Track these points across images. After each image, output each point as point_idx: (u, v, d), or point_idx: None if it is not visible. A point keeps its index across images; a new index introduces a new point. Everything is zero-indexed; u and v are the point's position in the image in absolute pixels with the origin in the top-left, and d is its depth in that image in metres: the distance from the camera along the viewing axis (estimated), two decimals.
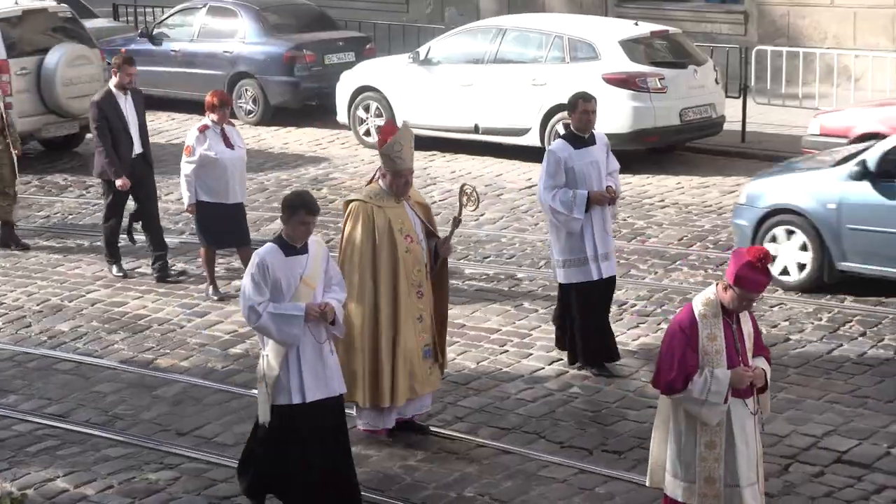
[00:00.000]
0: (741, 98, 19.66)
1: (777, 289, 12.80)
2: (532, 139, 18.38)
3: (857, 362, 11.09)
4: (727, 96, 19.32)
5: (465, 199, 9.76)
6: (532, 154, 18.42)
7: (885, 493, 8.80)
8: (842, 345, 11.50)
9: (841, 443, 9.58)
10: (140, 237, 14.02)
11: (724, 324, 7.49)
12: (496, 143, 18.77)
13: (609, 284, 10.91)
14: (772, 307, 12.48)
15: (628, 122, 17.80)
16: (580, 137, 10.73)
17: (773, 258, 7.35)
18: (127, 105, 13.50)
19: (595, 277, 10.68)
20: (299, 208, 8.22)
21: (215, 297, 12.97)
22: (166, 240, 13.98)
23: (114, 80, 13.54)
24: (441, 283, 9.77)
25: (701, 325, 7.46)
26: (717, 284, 7.55)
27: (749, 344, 7.59)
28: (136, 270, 14.02)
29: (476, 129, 18.95)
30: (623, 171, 17.80)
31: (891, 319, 11.94)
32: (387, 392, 9.38)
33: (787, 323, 12.08)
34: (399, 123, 9.56)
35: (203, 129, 12.73)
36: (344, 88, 20.01)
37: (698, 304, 7.52)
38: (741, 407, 7.53)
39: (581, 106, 10.71)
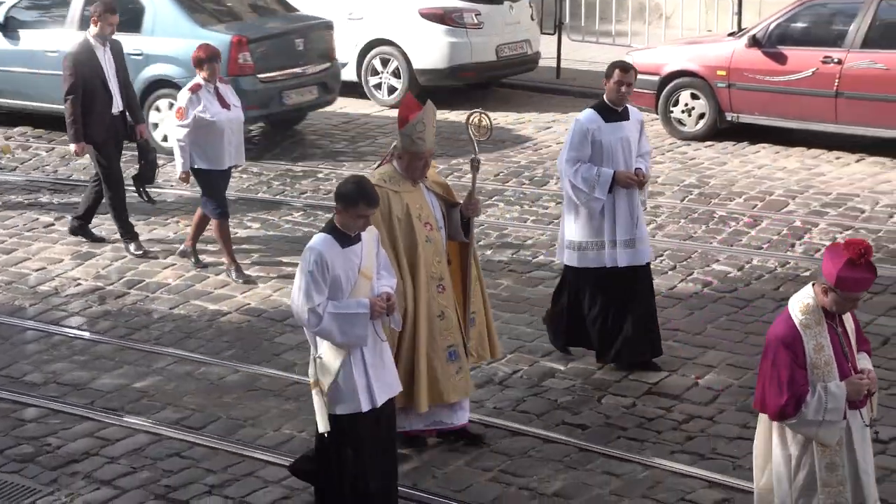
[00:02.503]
0: (556, 35, 19.85)
1: None
2: (349, 74, 18.26)
3: (668, 295, 11.33)
4: (542, 33, 19.49)
5: (474, 130, 8.66)
6: (348, 89, 18.33)
7: (693, 423, 9.02)
8: (653, 279, 11.71)
9: (651, 375, 9.78)
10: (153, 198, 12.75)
11: (828, 330, 6.61)
12: None
13: (637, 274, 9.69)
14: None
15: (445, 57, 17.83)
16: (612, 110, 9.58)
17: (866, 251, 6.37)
18: (106, 58, 12.21)
19: (609, 265, 9.55)
20: (358, 200, 7.15)
21: (240, 281, 11.61)
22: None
23: (93, 30, 12.16)
24: (464, 264, 8.58)
25: (805, 336, 6.56)
26: (813, 286, 6.63)
27: (854, 343, 6.77)
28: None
29: None
30: (439, 106, 18.02)
31: (699, 254, 12.23)
32: (405, 395, 8.12)
33: None
34: (426, 104, 8.30)
35: (195, 89, 11.45)
36: None
37: (797, 313, 6.59)
38: (857, 418, 6.68)
39: (617, 76, 9.52)
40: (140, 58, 15.45)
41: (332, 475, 7.46)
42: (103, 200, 12.48)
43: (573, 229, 9.63)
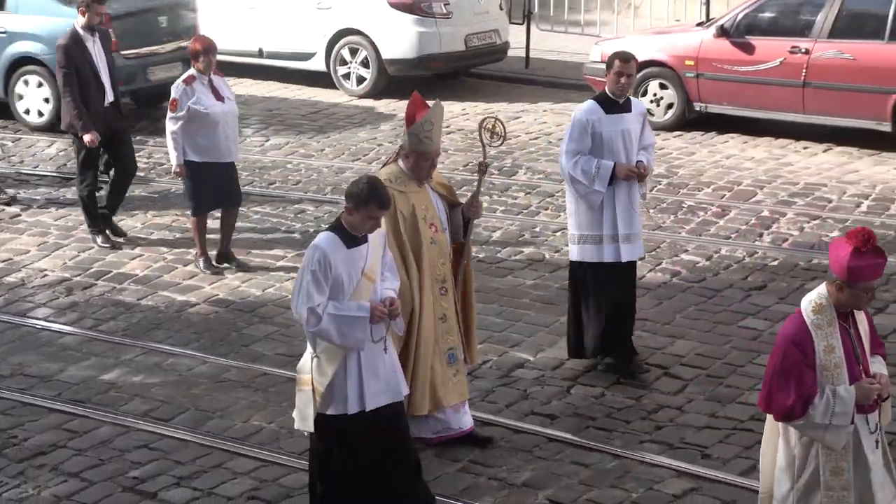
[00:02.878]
0: (525, 24, 19.83)
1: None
2: (317, 64, 18.23)
3: (637, 285, 11.32)
4: (511, 22, 19.46)
5: (487, 135, 8.53)
6: (317, 79, 18.29)
7: (662, 412, 9.03)
8: None
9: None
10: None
11: (840, 331, 6.43)
12: (281, 67, 18.54)
13: (631, 269, 9.67)
14: (554, 233, 12.68)
15: (413, 47, 17.80)
16: (614, 101, 9.34)
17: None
18: (95, 48, 11.99)
19: (608, 259, 9.39)
20: (370, 201, 6.99)
21: (208, 272, 11.55)
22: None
23: (81, 20, 11.96)
24: (463, 265, 8.49)
25: (816, 336, 6.38)
26: (825, 285, 6.45)
27: (867, 346, 6.58)
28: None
29: (260, 54, 18.69)
30: (408, 96, 17.95)
31: (668, 244, 12.25)
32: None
33: (568, 248, 12.26)
34: (431, 101, 8.23)
35: (189, 81, 11.28)
36: None
37: (809, 313, 6.42)
38: (863, 424, 6.48)
39: (617, 66, 9.25)
40: (4, 35, 15.88)
41: (322, 475, 7.33)
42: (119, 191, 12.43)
43: (574, 222, 9.49)
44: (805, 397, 6.33)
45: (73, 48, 11.90)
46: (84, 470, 8.35)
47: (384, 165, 8.45)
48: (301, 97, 17.88)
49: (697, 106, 16.00)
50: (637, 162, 9.40)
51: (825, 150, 15.25)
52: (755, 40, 15.51)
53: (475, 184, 8.58)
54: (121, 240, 12.32)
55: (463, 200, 8.57)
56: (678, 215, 13.07)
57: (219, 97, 11.36)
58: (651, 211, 13.10)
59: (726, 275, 11.55)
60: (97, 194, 12.41)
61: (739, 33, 15.62)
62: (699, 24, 16.89)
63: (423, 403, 8.18)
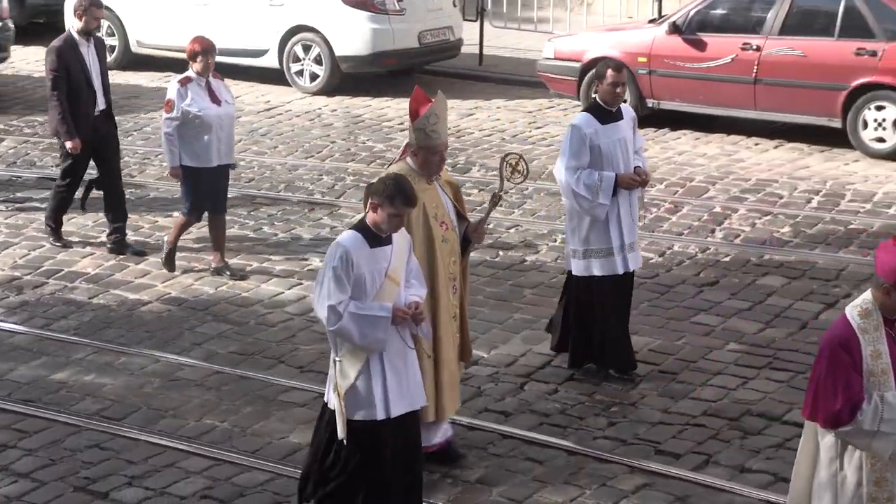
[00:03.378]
0: (478, 21, 19.83)
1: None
2: (270, 61, 18.16)
3: None
4: (464, 19, 19.46)
5: (509, 170, 8.41)
6: (269, 75, 18.22)
7: (615, 409, 9.07)
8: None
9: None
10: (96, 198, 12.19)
11: (886, 337, 6.22)
12: (233, 64, 18.44)
13: (631, 278, 9.55)
14: (508, 230, 12.69)
15: (367, 44, 17.76)
16: (607, 111, 9.22)
17: None
18: (90, 54, 11.66)
19: (621, 271, 9.27)
20: (395, 198, 6.89)
21: (164, 267, 11.40)
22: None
23: (77, 25, 11.62)
24: (464, 276, 8.37)
25: (863, 341, 6.17)
26: (871, 290, 6.28)
27: None
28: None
29: None
30: (362, 93, 18.06)
31: None
32: (431, 407, 7.89)
33: (522, 244, 12.29)
34: (436, 95, 8.00)
35: (185, 82, 11.01)
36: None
37: (855, 316, 6.23)
38: None
39: (610, 76, 9.14)
40: None
41: (340, 482, 7.17)
42: (99, 192, 12.07)
43: (578, 238, 9.29)
44: (853, 402, 6.11)
45: (67, 52, 11.59)
46: (35, 470, 8.28)
47: (391, 164, 8.26)
48: (254, 94, 17.80)
49: (650, 103, 16.05)
50: (635, 168, 9.29)
51: (776, 147, 15.34)
52: (707, 37, 15.57)
53: (485, 213, 8.40)
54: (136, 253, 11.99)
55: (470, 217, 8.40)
56: None
57: (215, 100, 11.09)
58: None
59: (679, 271, 11.60)
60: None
61: (691, 30, 15.69)
62: (651, 22, 16.94)
63: (449, 408, 8.06)
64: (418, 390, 7.24)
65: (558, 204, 13.35)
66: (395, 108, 17.21)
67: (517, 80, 18.66)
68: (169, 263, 11.48)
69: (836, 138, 15.13)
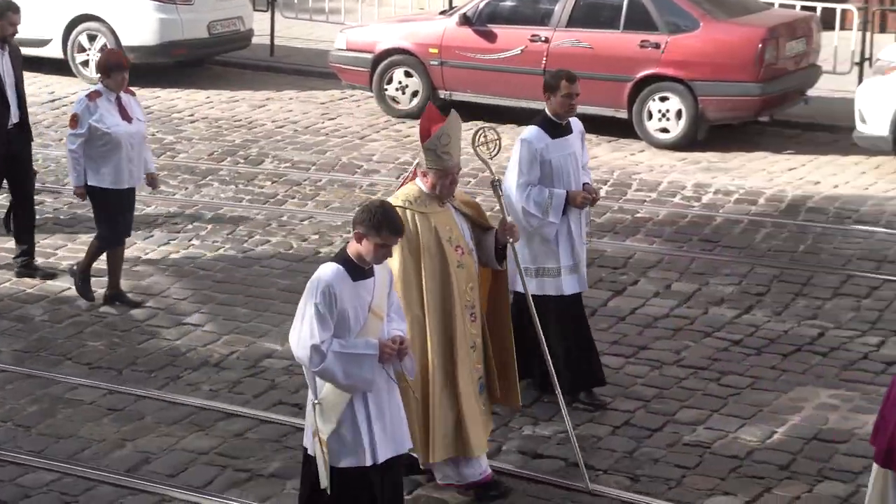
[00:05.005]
0: (269, 12, 19.69)
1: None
2: (54, 50, 17.70)
3: None
4: (255, 10, 19.29)
5: (483, 149, 7.90)
6: (54, 66, 17.75)
7: None
8: None
9: None
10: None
11: None
12: None
13: (579, 298, 9.03)
14: (302, 221, 12.62)
15: (154, 34, 17.45)
16: (557, 124, 8.76)
17: None
18: (4, 62, 10.81)
19: (568, 292, 8.79)
20: (382, 228, 6.39)
21: (79, 288, 10.54)
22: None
23: None
24: (499, 295, 7.82)
25: None
26: None
27: None
28: None
29: None
30: (151, 84, 17.74)
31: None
32: (450, 444, 7.45)
33: (316, 237, 12.24)
34: (450, 114, 7.49)
35: (94, 97, 10.18)
36: None
37: None
38: None
39: (565, 88, 8.68)
40: None
41: None
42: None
43: (528, 255, 8.69)
44: None
45: None
46: None
47: (401, 185, 7.74)
48: (37, 85, 17.31)
49: (442, 93, 16.15)
50: (584, 185, 8.86)
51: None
52: (497, 28, 15.73)
53: (496, 206, 7.95)
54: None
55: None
56: None
57: (126, 117, 10.29)
58: None
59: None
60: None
61: (481, 22, 15.82)
62: (442, 13, 17.04)
63: (478, 443, 7.52)
64: (403, 432, 6.75)
65: (353, 195, 13.34)
66: (185, 100, 16.95)
67: (309, 70, 18.57)
68: (125, 300, 10.61)
69: (623, 129, 15.45)
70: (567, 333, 8.85)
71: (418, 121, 16.41)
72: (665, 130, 15.11)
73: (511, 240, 7.67)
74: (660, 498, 7.77)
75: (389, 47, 16.28)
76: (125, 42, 17.38)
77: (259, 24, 19.10)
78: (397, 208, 7.11)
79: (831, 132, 15.69)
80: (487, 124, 8.20)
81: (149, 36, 17.40)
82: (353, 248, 6.48)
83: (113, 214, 10.41)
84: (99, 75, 10.40)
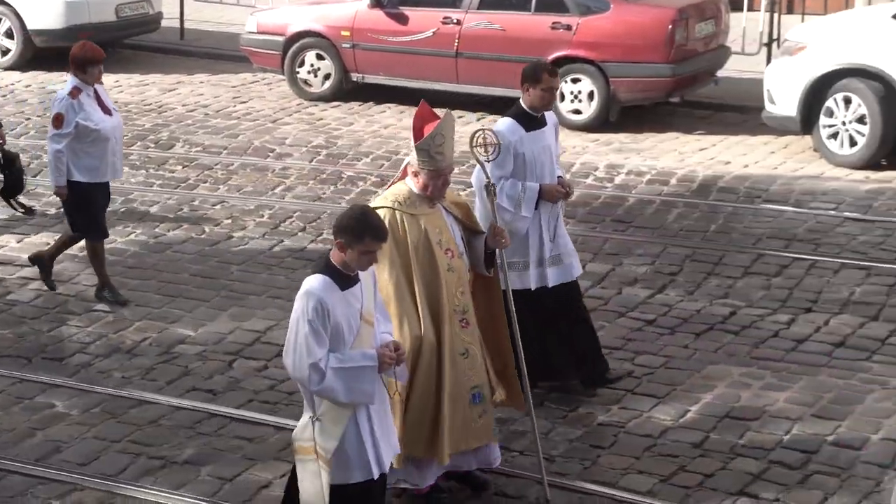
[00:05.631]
0: None
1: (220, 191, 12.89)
2: None
3: (298, 258, 11.33)
4: None
5: (481, 150, 7.70)
6: None
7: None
8: (283, 240, 11.71)
9: (283, 336, 9.71)
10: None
11: None
12: None
13: (568, 291, 8.78)
14: (214, 206, 12.52)
15: (61, 17, 17.23)
16: (532, 117, 8.56)
17: None
18: None
19: (534, 286, 8.57)
20: (364, 234, 6.17)
21: (118, 300, 10.23)
22: None
23: None
24: (491, 298, 7.58)
25: None
26: None
27: None
28: None
29: None
30: (57, 68, 17.47)
31: (329, 214, 12.27)
32: (425, 444, 7.26)
33: (229, 221, 12.14)
34: (444, 114, 7.32)
35: (76, 94, 9.91)
36: None
37: None
38: None
39: (546, 81, 8.45)
40: None
41: None
42: None
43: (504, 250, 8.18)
44: None
45: None
46: None
47: (388, 185, 7.48)
48: None
49: (355, 76, 16.08)
50: (558, 178, 8.68)
51: (479, 120, 15.57)
52: (409, 11, 15.68)
53: (491, 212, 7.67)
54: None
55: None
56: (338, 186, 13.11)
57: (106, 110, 10.09)
58: (311, 183, 13.13)
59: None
60: None
61: (393, 4, 15.76)
62: None
63: (445, 452, 7.24)
64: (395, 437, 6.63)
65: (265, 179, 13.25)
66: None
67: (220, 54, 18.42)
68: (118, 295, 10.32)
69: None
70: (548, 325, 8.63)
71: (330, 103, 16.52)
72: (577, 112, 15.17)
73: (501, 246, 7.48)
74: (576, 478, 7.82)
75: (301, 30, 16.18)
76: (31, 26, 17.15)
77: (168, 6, 18.90)
78: (385, 209, 7.06)
79: (741, 112, 15.84)
80: (488, 126, 8.07)
81: (55, 19, 17.15)
82: (338, 257, 6.24)
83: (94, 208, 10.21)
84: (71, 70, 10.11)
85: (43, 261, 10.53)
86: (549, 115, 8.75)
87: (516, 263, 8.53)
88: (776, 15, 17.72)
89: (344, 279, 6.24)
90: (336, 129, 15.11)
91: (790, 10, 20.11)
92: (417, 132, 7.23)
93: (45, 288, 10.47)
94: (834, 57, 13.93)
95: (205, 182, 13.21)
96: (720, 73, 16.07)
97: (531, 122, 8.58)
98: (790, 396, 8.81)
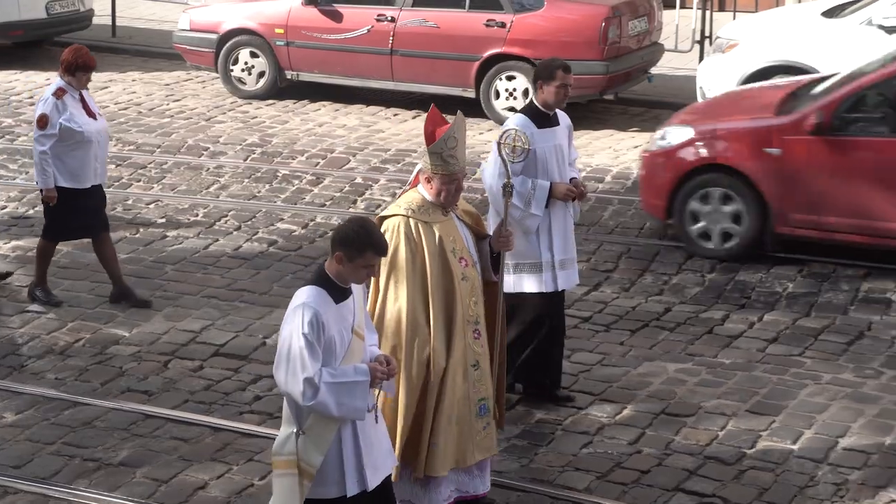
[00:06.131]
0: None
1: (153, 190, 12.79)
2: None
3: (234, 256, 11.27)
4: None
5: (508, 150, 7.70)
6: None
7: (261, 382, 9.01)
8: (218, 239, 11.64)
9: (218, 336, 9.70)
10: None
11: None
12: None
13: (562, 295, 8.75)
14: (147, 205, 12.42)
15: None
16: (544, 115, 8.46)
17: None
18: None
19: (550, 289, 8.44)
20: (365, 248, 6.00)
21: (50, 301, 10.12)
22: None
23: None
24: (490, 306, 7.36)
25: None
26: None
27: None
28: None
29: None
30: None
31: (264, 213, 12.21)
32: (426, 462, 7.06)
33: (163, 220, 12.05)
34: (455, 116, 7.18)
35: (60, 94, 9.82)
36: None
37: None
38: None
39: (560, 77, 8.37)
40: None
41: None
42: None
43: (512, 251, 8.00)
44: None
45: None
46: None
47: (400, 194, 7.26)
48: None
49: (289, 74, 16.02)
50: (571, 179, 8.56)
51: (414, 117, 15.57)
52: (343, 8, 15.64)
53: (503, 212, 7.55)
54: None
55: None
56: (273, 184, 13.05)
57: (90, 114, 9.98)
58: (245, 181, 13.07)
59: (322, 242, 11.61)
60: None
61: (327, 1, 15.72)
62: None
63: (445, 464, 7.07)
64: (388, 453, 6.41)
65: (199, 178, 13.17)
66: (24, 82, 16.56)
67: (153, 52, 18.29)
68: (50, 296, 10.21)
69: (471, 108, 15.45)
70: (540, 332, 8.59)
71: (265, 101, 16.46)
72: (513, 109, 15.14)
73: (505, 248, 7.35)
74: (514, 476, 7.83)
75: (234, 27, 16.10)
76: None
77: (100, 4, 18.74)
78: (399, 217, 6.90)
79: (674, 109, 15.77)
80: (521, 129, 8.03)
81: None
82: (334, 269, 6.06)
83: (66, 214, 10.03)
84: (60, 72, 10.01)
85: (120, 294, 10.29)
86: (563, 117, 8.64)
87: (529, 265, 8.44)
88: (708, 12, 17.83)
89: (338, 292, 6.08)
90: (271, 127, 15.04)
91: (722, 8, 20.26)
92: (429, 136, 7.02)
93: (146, 300, 10.27)
94: (765, 54, 14.06)
95: (138, 181, 13.11)
96: (654, 70, 16.16)
97: (543, 119, 8.49)
98: (725, 392, 8.88)
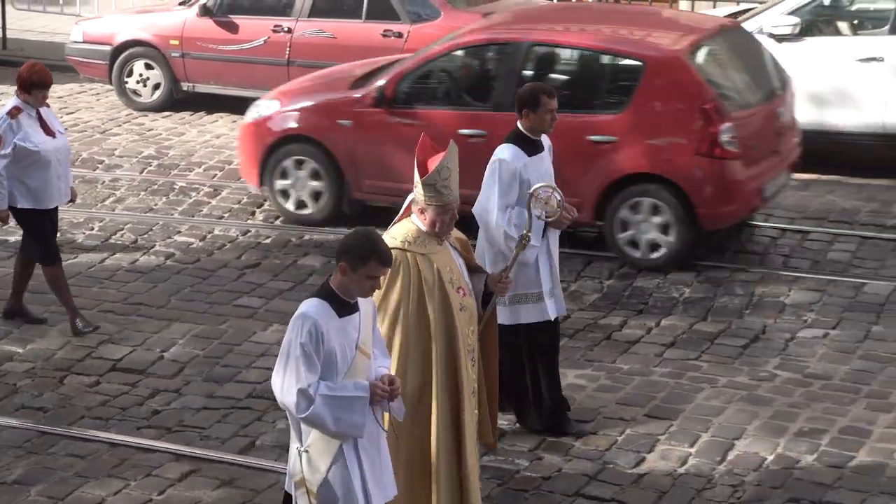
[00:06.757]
0: (0, 4, 19.04)
1: None
2: None
3: (130, 270, 11.16)
4: None
5: (540, 205, 7.68)
6: None
7: (158, 397, 8.93)
8: (114, 253, 11.51)
9: (115, 351, 9.59)
10: None
11: None
12: None
13: (557, 324, 8.66)
14: (99, 222, 12.22)
15: None
16: (533, 141, 8.24)
17: None
18: None
19: (552, 316, 8.36)
20: (369, 258, 5.91)
21: (88, 330, 9.83)
22: None
23: None
24: (489, 336, 7.25)
25: None
26: None
27: None
28: None
29: None
30: None
31: (161, 226, 12.10)
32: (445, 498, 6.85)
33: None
34: (449, 145, 6.90)
35: (14, 114, 9.55)
36: None
37: None
38: None
39: (546, 103, 8.14)
40: None
41: None
42: None
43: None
44: None
45: None
46: None
47: (393, 224, 7.02)
48: None
49: (185, 86, 15.90)
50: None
51: None
52: (239, 19, 15.56)
53: (510, 260, 7.50)
54: None
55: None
56: (170, 197, 12.94)
57: (49, 132, 9.71)
58: (142, 194, 12.94)
59: (220, 254, 11.55)
60: None
61: (223, 12, 15.63)
62: (182, 4, 16.74)
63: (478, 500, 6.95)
64: (390, 478, 6.29)
65: (94, 191, 13.02)
66: None
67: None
68: (87, 325, 9.92)
69: None
70: (541, 361, 8.48)
71: (161, 113, 16.27)
72: None
73: (502, 293, 7.25)
74: None
75: (128, 39, 15.94)
76: None
77: None
78: (396, 251, 6.68)
79: None
80: (556, 190, 7.88)
81: None
82: (337, 281, 5.97)
83: (44, 234, 9.87)
84: (16, 90, 9.76)
85: (14, 310, 10.11)
86: (545, 139, 8.42)
87: (531, 295, 8.30)
88: None
89: (342, 306, 5.98)
90: (167, 139, 14.91)
91: None
92: (421, 166, 6.85)
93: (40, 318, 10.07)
94: None
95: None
96: None
97: (531, 146, 8.27)
98: (623, 397, 8.96)
